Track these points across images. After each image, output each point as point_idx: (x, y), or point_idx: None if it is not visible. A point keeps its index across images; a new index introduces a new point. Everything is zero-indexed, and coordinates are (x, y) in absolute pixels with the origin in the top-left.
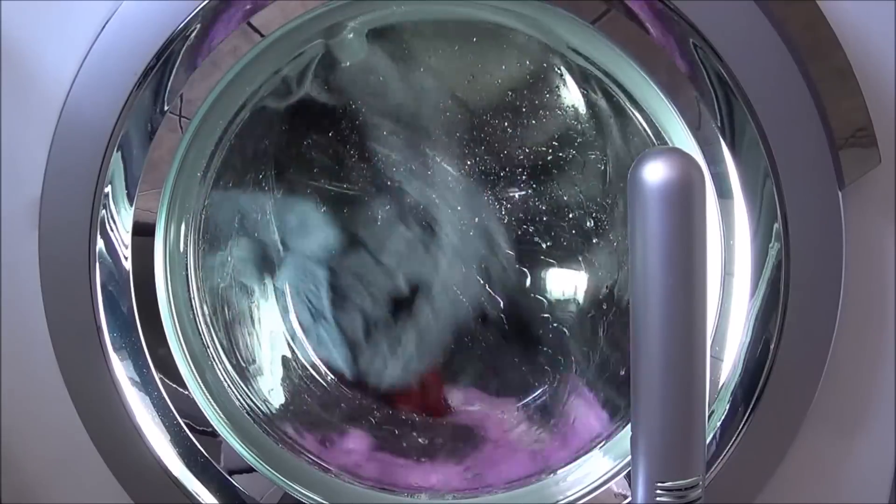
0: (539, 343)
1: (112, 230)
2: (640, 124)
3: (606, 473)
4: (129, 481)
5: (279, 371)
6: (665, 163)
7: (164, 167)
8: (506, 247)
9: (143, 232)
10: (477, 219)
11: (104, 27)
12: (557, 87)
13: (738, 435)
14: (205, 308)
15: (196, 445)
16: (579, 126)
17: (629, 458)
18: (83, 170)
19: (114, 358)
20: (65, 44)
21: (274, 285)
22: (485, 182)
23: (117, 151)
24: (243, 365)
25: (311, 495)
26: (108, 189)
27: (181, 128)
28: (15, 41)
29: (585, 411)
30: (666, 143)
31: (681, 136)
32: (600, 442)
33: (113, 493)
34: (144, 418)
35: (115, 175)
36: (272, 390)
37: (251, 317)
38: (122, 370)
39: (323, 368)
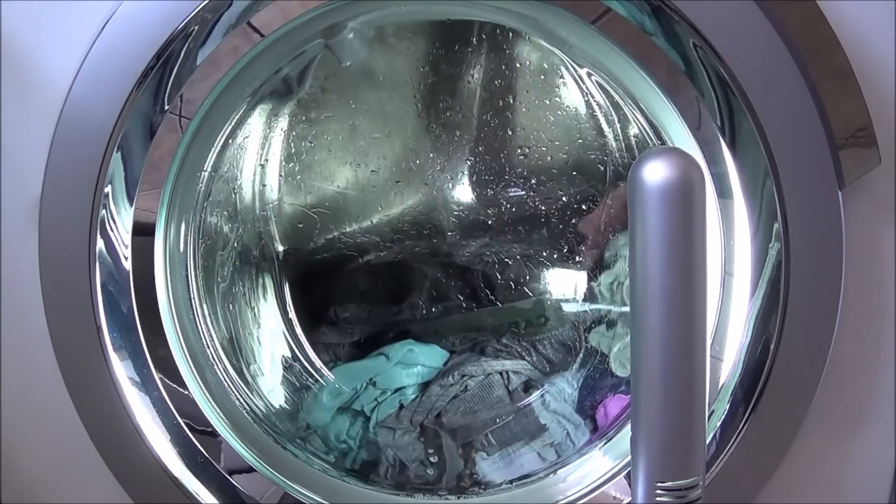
0: None
1: (112, 230)
2: (640, 124)
3: (606, 473)
4: (129, 481)
5: (279, 371)
6: (665, 163)
7: (164, 167)
8: None
9: (143, 232)
10: None
11: (104, 27)
12: (558, 87)
13: (738, 435)
14: (205, 308)
15: (196, 445)
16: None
17: (629, 458)
18: (83, 170)
19: (114, 358)
20: (65, 44)
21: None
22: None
23: (117, 151)
24: (243, 365)
25: (311, 495)
26: (108, 189)
27: (181, 128)
28: (15, 41)
29: None
30: (666, 144)
31: (681, 136)
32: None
33: (113, 493)
34: (144, 418)
35: (115, 175)
36: (272, 390)
37: (251, 317)
38: (122, 370)
39: None
